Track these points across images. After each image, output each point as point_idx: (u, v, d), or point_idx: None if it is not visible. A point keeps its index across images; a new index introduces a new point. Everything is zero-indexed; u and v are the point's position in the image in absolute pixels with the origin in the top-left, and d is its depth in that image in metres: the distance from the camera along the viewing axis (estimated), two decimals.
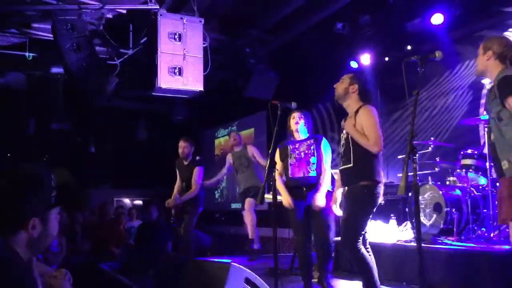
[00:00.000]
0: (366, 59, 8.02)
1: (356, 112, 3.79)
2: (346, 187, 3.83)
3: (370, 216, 3.76)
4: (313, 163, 4.54)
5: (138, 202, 12.03)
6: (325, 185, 4.52)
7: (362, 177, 3.67)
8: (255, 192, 6.88)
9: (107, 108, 10.33)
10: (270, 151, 4.00)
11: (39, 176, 1.69)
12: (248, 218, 6.97)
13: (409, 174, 2.94)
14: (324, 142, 4.67)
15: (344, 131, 3.89)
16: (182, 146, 6.82)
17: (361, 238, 3.69)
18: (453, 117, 7.01)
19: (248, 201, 6.97)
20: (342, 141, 3.90)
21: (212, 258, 6.65)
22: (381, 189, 3.70)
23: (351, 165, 3.73)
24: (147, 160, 11.62)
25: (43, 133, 10.00)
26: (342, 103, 3.95)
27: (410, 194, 5.77)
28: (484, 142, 5.55)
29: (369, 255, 3.73)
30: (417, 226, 2.88)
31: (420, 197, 5.50)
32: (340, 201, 4.08)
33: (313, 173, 4.53)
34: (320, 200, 4.43)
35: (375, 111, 3.75)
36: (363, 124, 3.68)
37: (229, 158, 7.46)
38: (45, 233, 1.68)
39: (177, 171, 6.99)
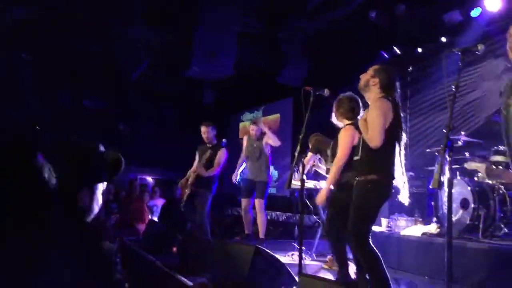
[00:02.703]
0: (398, 49, 7.93)
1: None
2: (357, 179, 3.72)
3: (377, 211, 3.66)
4: None
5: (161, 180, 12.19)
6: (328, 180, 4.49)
7: (368, 171, 3.58)
8: (259, 190, 6.86)
9: (140, 88, 10.45)
10: (301, 136, 4.00)
11: (94, 150, 1.78)
12: (261, 219, 6.85)
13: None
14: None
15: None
16: (205, 131, 6.79)
17: (370, 233, 3.59)
18: (483, 112, 6.90)
19: (259, 202, 6.89)
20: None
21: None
22: (390, 184, 3.59)
23: (359, 157, 3.69)
24: (173, 141, 11.73)
25: (76, 107, 10.18)
26: (364, 95, 3.86)
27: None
28: None
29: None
30: (449, 221, 2.87)
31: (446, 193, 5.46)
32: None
33: None
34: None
35: (385, 105, 3.55)
36: (368, 117, 3.59)
37: (244, 141, 7.29)
38: (91, 204, 1.75)
39: (197, 155, 6.94)
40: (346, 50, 8.58)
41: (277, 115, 10.70)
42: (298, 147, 3.98)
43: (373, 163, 3.57)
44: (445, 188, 5.44)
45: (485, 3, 6.42)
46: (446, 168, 2.97)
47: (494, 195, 5.12)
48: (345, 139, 4.24)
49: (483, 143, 5.90)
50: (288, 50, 8.73)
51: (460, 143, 5.72)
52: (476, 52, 2.97)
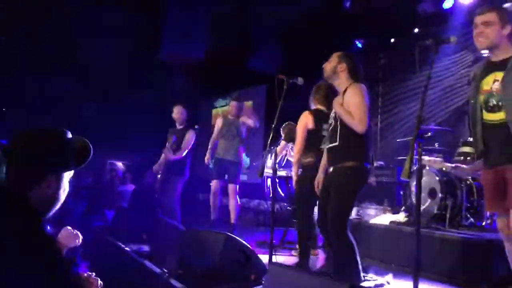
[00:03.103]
0: (371, 39, 7.97)
1: (345, 91, 3.71)
2: (332, 167, 3.77)
3: (355, 197, 3.70)
4: None
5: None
6: None
7: (347, 157, 3.61)
8: (233, 173, 6.79)
9: (109, 71, 10.25)
10: (273, 125, 3.99)
11: (61, 137, 1.74)
12: (233, 205, 6.75)
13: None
14: None
15: (333, 111, 3.83)
16: (177, 112, 6.72)
17: (348, 221, 3.63)
18: (451, 102, 7.02)
19: (233, 187, 6.81)
20: (331, 120, 3.83)
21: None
22: (367, 170, 3.65)
23: (336, 144, 3.67)
24: (144, 125, 11.56)
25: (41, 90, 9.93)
26: (332, 83, 3.89)
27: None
28: None
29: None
30: (417, 211, 2.90)
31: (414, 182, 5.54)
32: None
33: None
34: None
35: (364, 89, 3.64)
36: (350, 102, 3.60)
37: (218, 122, 7.14)
38: (57, 192, 1.71)
39: (168, 138, 6.85)
40: (319, 38, 8.58)
41: (250, 102, 10.66)
42: (271, 135, 3.97)
43: (351, 149, 3.60)
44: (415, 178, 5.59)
45: None
46: (416, 158, 2.99)
47: (462, 185, 5.22)
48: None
49: (452, 131, 6.01)
50: (261, 36, 8.68)
51: (430, 133, 5.81)
52: (449, 44, 3.01)
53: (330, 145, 3.76)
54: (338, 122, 3.66)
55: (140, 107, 12.06)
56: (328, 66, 3.80)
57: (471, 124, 3.31)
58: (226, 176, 6.85)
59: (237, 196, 6.86)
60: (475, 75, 3.34)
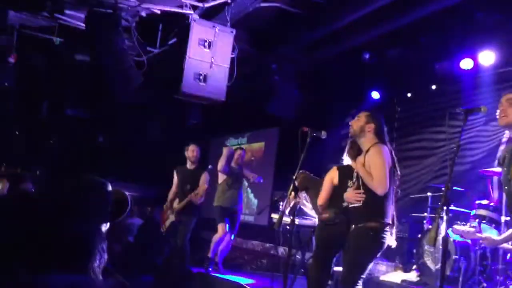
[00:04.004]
0: (388, 92, 8.04)
1: (367, 150, 3.75)
2: (354, 226, 3.77)
3: (373, 259, 3.73)
4: None
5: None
6: None
7: (369, 218, 3.62)
8: (230, 216, 6.91)
9: (125, 102, 10.32)
10: (294, 176, 4.00)
11: (103, 190, 1.71)
12: (218, 239, 6.84)
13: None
14: None
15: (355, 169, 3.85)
16: (194, 150, 6.78)
17: (361, 280, 3.64)
18: (466, 161, 7.00)
19: (223, 227, 6.88)
20: (354, 179, 3.84)
21: None
22: (388, 231, 3.66)
23: (359, 204, 3.68)
24: (154, 158, 11.57)
25: (56, 117, 9.99)
26: (357, 140, 3.93)
27: (419, 235, 5.79)
28: (500, 194, 5.53)
29: None
30: (442, 276, 2.87)
31: None
32: None
33: None
34: None
35: (386, 150, 3.70)
36: (371, 163, 3.65)
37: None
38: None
39: (176, 176, 6.88)
40: (336, 86, 8.67)
41: (262, 144, 10.69)
42: (291, 187, 3.97)
43: (372, 210, 3.61)
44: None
45: (478, 56, 6.55)
46: (442, 226, 2.97)
47: (476, 248, 5.17)
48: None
49: (467, 192, 5.97)
50: (279, 80, 8.77)
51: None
52: (479, 114, 3.04)
53: (353, 205, 3.76)
54: (360, 182, 3.67)
55: (152, 139, 12.12)
56: (356, 125, 3.83)
57: (506, 205, 3.25)
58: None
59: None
60: (505, 157, 3.26)
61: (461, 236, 5.17)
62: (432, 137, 7.47)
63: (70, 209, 1.65)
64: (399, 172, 3.78)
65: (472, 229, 4.89)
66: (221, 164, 7.06)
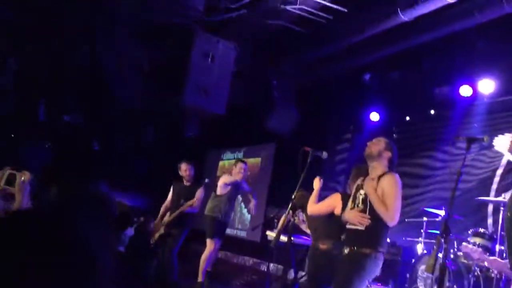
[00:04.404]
0: (387, 114, 8.08)
1: (380, 177, 3.73)
2: (348, 248, 3.73)
3: (365, 284, 3.72)
4: None
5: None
6: None
7: (368, 244, 3.60)
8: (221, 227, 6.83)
9: (122, 110, 10.31)
10: (294, 195, 3.99)
11: (109, 202, 1.70)
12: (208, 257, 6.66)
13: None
14: None
15: (362, 191, 3.80)
16: (186, 169, 6.69)
17: None
18: (459, 189, 6.99)
19: (212, 243, 6.77)
20: (358, 201, 3.79)
21: None
22: (382, 259, 3.65)
23: (362, 228, 3.64)
24: (149, 167, 11.52)
25: (54, 121, 9.95)
26: (369, 162, 3.89)
27: (413, 260, 5.78)
28: (498, 222, 5.53)
29: None
30: None
31: (423, 266, 5.49)
32: None
33: None
34: None
35: (400, 181, 3.68)
36: (385, 191, 3.61)
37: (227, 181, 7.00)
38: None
39: (172, 192, 6.84)
40: (335, 106, 8.71)
41: (258, 159, 10.67)
42: (290, 205, 3.96)
43: (374, 236, 3.58)
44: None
45: (478, 84, 6.61)
46: (440, 254, 2.96)
47: (469, 276, 5.16)
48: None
49: (463, 219, 5.96)
50: (279, 96, 8.80)
51: (440, 218, 5.80)
52: (483, 143, 3.05)
53: (354, 227, 3.73)
54: (368, 207, 3.63)
55: (148, 148, 12.08)
56: (375, 148, 3.81)
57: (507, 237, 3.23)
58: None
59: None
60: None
61: (467, 255, 5.17)
62: (428, 162, 7.49)
63: (76, 223, 1.63)
64: None
65: (480, 249, 4.90)
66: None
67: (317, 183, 4.56)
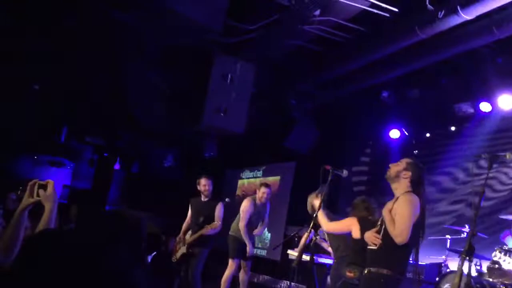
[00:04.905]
0: (407, 131, 8.06)
1: (398, 197, 3.70)
2: (366, 269, 3.71)
3: None
4: None
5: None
6: None
7: (384, 265, 3.57)
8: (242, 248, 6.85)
9: (142, 132, 10.46)
10: (315, 215, 4.00)
11: (140, 226, 1.73)
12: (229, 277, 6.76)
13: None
14: None
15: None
16: (206, 184, 6.73)
17: None
18: (488, 207, 6.91)
19: (234, 263, 6.84)
20: (379, 221, 3.81)
21: None
22: (399, 281, 3.59)
23: (375, 247, 3.65)
24: (167, 188, 11.62)
25: (75, 141, 10.14)
26: (391, 185, 3.87)
27: (437, 279, 5.72)
28: None
29: None
30: None
31: (447, 285, 5.41)
32: None
33: None
34: None
35: (416, 200, 3.61)
36: (397, 210, 3.58)
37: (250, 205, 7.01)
38: None
39: (191, 209, 6.90)
40: (354, 125, 8.72)
41: (278, 178, 10.67)
42: (311, 224, 3.97)
43: (390, 257, 3.55)
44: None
45: (498, 100, 6.58)
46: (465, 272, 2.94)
47: None
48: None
49: (486, 237, 5.88)
50: (298, 115, 8.84)
51: (464, 235, 5.73)
52: (505, 160, 3.04)
53: (371, 247, 3.73)
54: (383, 227, 3.63)
55: (167, 169, 12.18)
56: (393, 169, 3.78)
57: None
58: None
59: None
60: None
61: None
62: (449, 179, 7.44)
63: (110, 248, 1.64)
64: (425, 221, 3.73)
65: None
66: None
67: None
